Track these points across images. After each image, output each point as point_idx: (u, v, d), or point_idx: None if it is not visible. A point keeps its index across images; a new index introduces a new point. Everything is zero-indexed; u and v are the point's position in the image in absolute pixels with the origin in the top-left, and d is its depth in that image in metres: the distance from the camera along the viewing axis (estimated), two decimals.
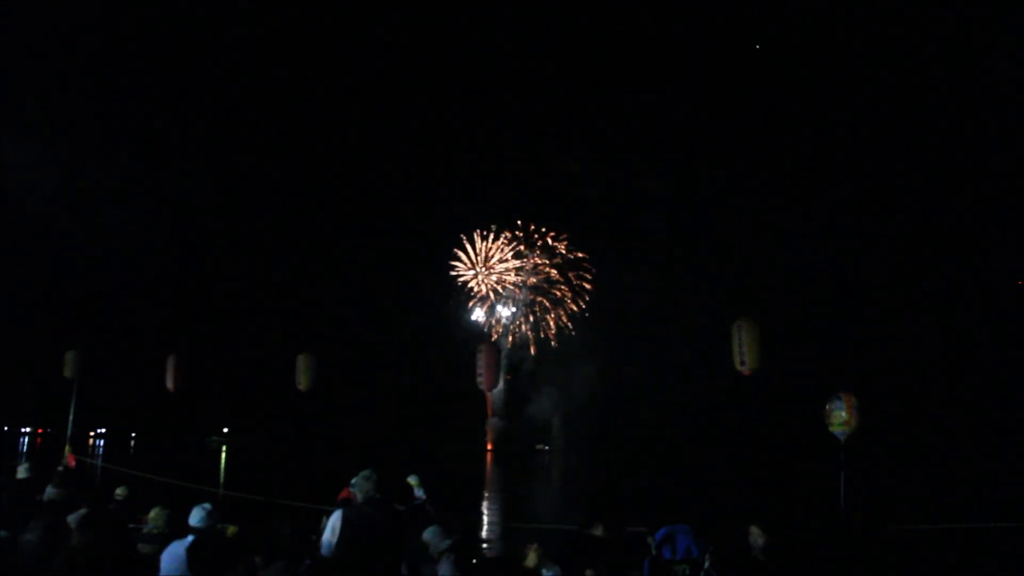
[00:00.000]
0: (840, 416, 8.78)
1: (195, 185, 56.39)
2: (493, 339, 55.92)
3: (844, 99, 55.81)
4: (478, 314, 62.51)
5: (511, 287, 62.24)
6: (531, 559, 5.30)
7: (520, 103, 74.24)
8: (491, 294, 62.51)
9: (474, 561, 6.51)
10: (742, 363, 11.02)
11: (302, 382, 14.66)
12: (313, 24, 66.52)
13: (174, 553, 4.79)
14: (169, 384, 15.94)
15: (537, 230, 62.61)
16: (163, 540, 5.36)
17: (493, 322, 61.70)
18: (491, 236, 63.10)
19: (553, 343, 61.79)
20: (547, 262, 63.19)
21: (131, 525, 6.57)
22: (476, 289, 62.56)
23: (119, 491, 8.02)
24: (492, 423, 60.83)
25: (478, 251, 62.69)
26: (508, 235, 63.13)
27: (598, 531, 5.50)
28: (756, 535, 5.31)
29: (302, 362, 14.67)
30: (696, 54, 57.79)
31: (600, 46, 68.61)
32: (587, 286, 62.48)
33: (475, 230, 63.46)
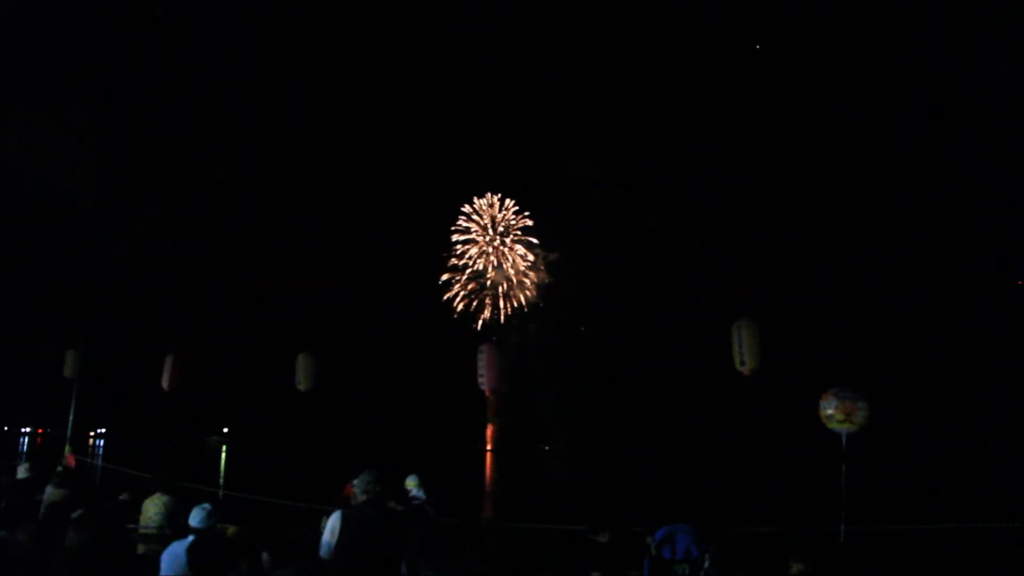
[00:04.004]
0: (862, 416, 8.53)
1: (194, 185, 56.31)
2: (494, 339, 55.54)
3: (844, 99, 55.78)
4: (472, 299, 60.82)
5: (518, 270, 60.56)
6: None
7: (518, 103, 74.14)
8: (496, 271, 60.41)
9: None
10: (742, 363, 11.03)
11: (302, 382, 14.70)
12: (310, 20, 66.46)
13: (174, 553, 4.81)
14: (165, 384, 15.97)
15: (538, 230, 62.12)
16: (163, 540, 5.38)
17: (499, 305, 60.21)
18: (497, 204, 60.38)
19: (554, 336, 61.62)
20: (549, 261, 62.45)
21: (131, 526, 6.59)
22: (482, 265, 60.12)
23: (122, 496, 8.03)
24: (492, 423, 60.62)
25: (485, 217, 60.22)
26: (517, 221, 60.94)
27: (604, 538, 5.51)
28: (797, 570, 4.92)
29: (302, 362, 14.71)
30: (696, 53, 57.66)
31: (599, 44, 68.52)
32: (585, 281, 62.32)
33: (479, 195, 60.37)
